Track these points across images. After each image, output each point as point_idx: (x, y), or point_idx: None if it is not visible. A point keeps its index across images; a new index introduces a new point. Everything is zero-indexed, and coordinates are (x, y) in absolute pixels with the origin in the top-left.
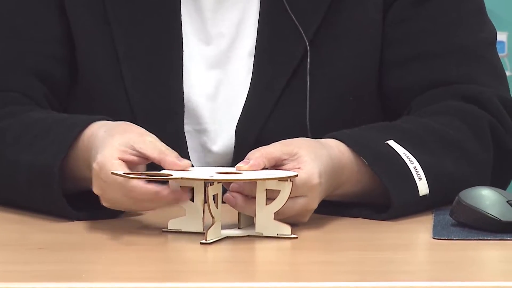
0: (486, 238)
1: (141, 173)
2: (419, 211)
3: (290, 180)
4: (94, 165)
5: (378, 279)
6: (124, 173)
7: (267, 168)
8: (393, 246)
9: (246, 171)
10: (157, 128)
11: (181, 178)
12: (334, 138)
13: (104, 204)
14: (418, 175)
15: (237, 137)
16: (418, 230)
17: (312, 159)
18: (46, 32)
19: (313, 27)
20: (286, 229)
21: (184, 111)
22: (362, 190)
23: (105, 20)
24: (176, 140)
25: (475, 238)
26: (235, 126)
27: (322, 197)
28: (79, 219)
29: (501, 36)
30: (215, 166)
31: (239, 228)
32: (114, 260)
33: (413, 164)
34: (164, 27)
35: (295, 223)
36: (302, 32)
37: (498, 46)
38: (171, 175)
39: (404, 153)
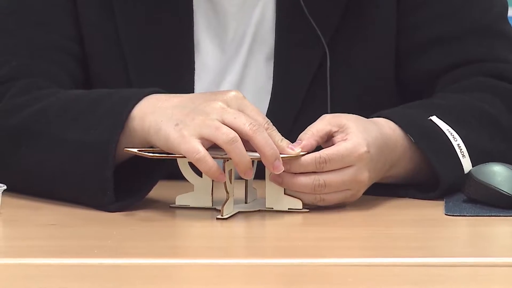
0: (498, 214)
1: (154, 150)
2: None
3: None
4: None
5: (390, 256)
6: (139, 150)
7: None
8: (405, 222)
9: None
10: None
11: None
12: (382, 117)
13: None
14: (462, 153)
15: None
16: (430, 206)
17: (360, 130)
18: (69, 31)
19: (331, 30)
20: (297, 203)
21: None
22: (414, 168)
23: (117, 42)
24: None
25: (487, 214)
26: None
27: (374, 171)
28: (109, 209)
29: None
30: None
31: (246, 203)
32: (126, 236)
33: (456, 142)
34: (176, 44)
35: (347, 201)
36: (321, 36)
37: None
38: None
39: (447, 129)
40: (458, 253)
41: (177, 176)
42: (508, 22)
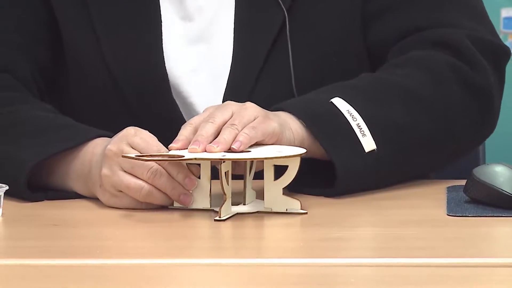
0: (500, 215)
1: (152, 155)
2: (374, 167)
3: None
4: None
5: (392, 256)
6: (136, 156)
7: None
8: (407, 223)
9: (254, 148)
10: (148, 103)
11: (195, 158)
12: (277, 110)
13: (108, 199)
14: (362, 132)
15: None
16: (432, 207)
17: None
18: (32, 14)
19: None
20: (295, 204)
21: (169, 85)
22: (321, 155)
23: (83, 3)
24: (171, 113)
25: (489, 215)
26: (222, 98)
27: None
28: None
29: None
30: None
31: (244, 204)
32: (128, 236)
33: (356, 121)
34: (142, 4)
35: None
36: (280, 1)
37: (507, 23)
38: (183, 156)
39: (347, 110)
40: (460, 254)
41: None
42: None
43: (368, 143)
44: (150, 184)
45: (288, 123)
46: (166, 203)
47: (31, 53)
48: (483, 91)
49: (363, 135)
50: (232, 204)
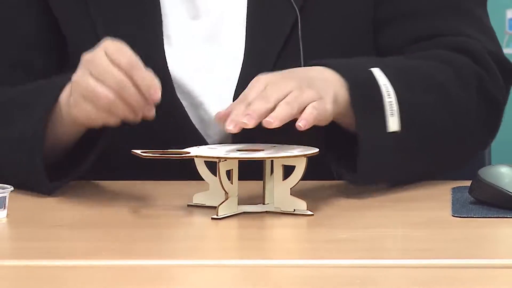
0: (505, 216)
1: (156, 151)
2: (389, 150)
3: (306, 157)
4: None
5: (398, 257)
6: (141, 152)
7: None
8: (412, 224)
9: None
10: None
11: (198, 156)
12: (317, 65)
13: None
14: (391, 111)
15: None
16: (437, 208)
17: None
18: (30, 19)
19: None
20: (302, 205)
21: (172, 82)
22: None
23: (83, 2)
24: (175, 112)
25: (495, 216)
26: (232, 97)
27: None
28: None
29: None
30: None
31: (263, 204)
32: (134, 237)
33: (389, 98)
34: (142, 3)
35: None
36: (292, 1)
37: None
38: (189, 152)
39: (384, 84)
40: (466, 255)
41: (194, 175)
42: (486, 11)
43: (393, 124)
44: (117, 95)
45: (337, 93)
46: (127, 117)
47: (28, 65)
48: (497, 105)
49: (391, 114)
50: (246, 203)
